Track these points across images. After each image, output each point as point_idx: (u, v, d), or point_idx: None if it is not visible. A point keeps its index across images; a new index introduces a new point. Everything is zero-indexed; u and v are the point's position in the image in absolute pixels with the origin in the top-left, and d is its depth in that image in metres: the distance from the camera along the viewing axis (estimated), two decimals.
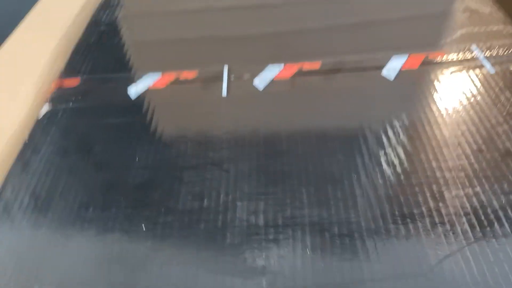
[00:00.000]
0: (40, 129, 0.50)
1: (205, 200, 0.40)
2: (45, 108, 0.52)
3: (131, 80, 0.55)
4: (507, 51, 0.53)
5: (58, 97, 0.54)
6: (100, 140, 0.47)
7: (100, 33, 0.64)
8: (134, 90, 0.53)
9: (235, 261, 0.36)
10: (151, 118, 0.50)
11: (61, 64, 0.60)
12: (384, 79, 0.51)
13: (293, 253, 0.36)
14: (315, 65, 0.54)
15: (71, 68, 0.58)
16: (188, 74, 0.55)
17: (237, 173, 0.43)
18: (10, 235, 0.39)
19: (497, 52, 0.53)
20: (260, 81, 0.52)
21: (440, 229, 0.36)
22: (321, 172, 0.42)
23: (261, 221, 0.38)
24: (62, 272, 0.36)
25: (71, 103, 0.52)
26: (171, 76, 0.55)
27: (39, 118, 0.51)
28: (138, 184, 0.42)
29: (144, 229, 0.38)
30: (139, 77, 0.55)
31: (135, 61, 0.58)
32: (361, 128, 0.45)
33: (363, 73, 0.52)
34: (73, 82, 0.56)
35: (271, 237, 0.37)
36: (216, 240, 0.37)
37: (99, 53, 0.60)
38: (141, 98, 0.52)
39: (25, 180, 0.44)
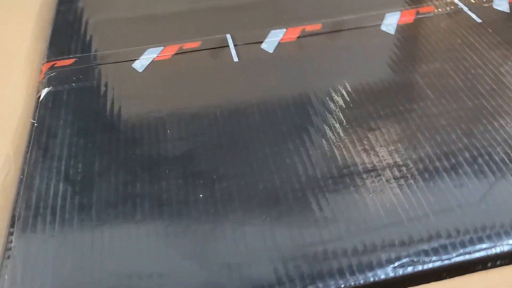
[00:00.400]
0: (48, 112, 0.46)
1: (255, 163, 0.40)
2: (45, 90, 0.48)
3: (130, 55, 0.52)
4: (485, 1, 0.58)
5: (56, 78, 0.50)
6: (121, 116, 0.45)
7: (78, 10, 0.60)
8: (139, 64, 0.51)
9: (306, 213, 0.36)
10: (167, 89, 0.48)
11: (43, 45, 0.55)
12: (385, 33, 0.54)
13: (357, 199, 0.37)
14: (317, 26, 0.55)
15: (57, 48, 0.54)
16: (192, 44, 0.53)
17: (276, 133, 0.43)
18: (58, 225, 0.37)
19: (476, 2, 0.58)
20: (268, 45, 0.53)
21: (480, 160, 0.40)
22: (355, 122, 0.43)
23: (318, 174, 0.39)
24: (129, 252, 0.35)
25: (73, 84, 0.49)
26: (174, 47, 0.53)
27: (41, 100, 0.47)
28: (180, 155, 0.41)
29: (201, 197, 0.38)
30: (140, 51, 0.53)
31: (129, 36, 0.55)
32: (375, 78, 0.48)
33: (364, 29, 0.54)
34: (66, 62, 0.52)
35: (332, 187, 0.38)
36: (279, 197, 0.38)
37: (85, 30, 0.56)
38: (148, 70, 0.50)
39: (51, 166, 0.41)
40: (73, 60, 0.52)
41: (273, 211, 0.37)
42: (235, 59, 0.51)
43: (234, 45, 0.53)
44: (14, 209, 0.38)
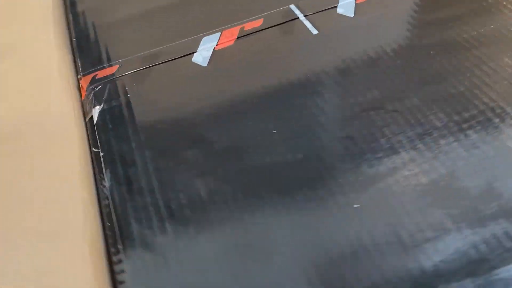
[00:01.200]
0: (111, 134, 0.36)
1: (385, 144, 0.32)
2: (97, 109, 0.39)
3: (186, 49, 0.43)
4: None
5: (103, 92, 0.40)
6: (202, 122, 0.36)
7: (97, 8, 0.50)
8: (200, 57, 0.42)
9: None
10: (242, 79, 0.39)
11: (68, 56, 0.45)
12: None
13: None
14: None
15: (91, 57, 0.44)
16: (253, 24, 0.44)
17: (403, 110, 0.35)
18: (159, 250, 0.28)
19: None
20: (345, 8, 0.44)
21: None
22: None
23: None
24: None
25: (128, 94, 0.39)
26: (233, 31, 0.44)
27: (96, 123, 0.38)
28: (299, 159, 0.32)
29: (356, 206, 0.29)
30: (195, 42, 0.43)
31: (175, 27, 0.46)
32: None
33: None
34: (108, 71, 0.42)
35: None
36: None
37: (118, 30, 0.47)
38: (213, 62, 0.41)
39: (145, 201, 0.32)
40: (117, 66, 0.42)
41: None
42: (313, 31, 0.42)
43: (305, 16, 0.44)
44: (114, 245, 0.29)
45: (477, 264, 0.26)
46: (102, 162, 0.35)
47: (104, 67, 0.43)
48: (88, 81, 0.42)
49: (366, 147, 0.32)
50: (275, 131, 0.35)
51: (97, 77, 0.42)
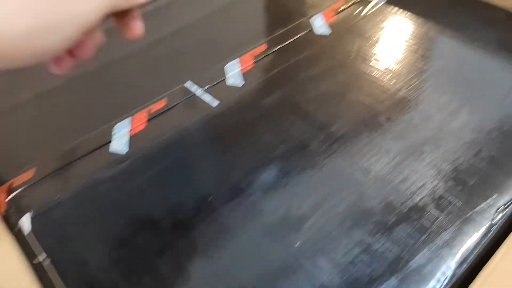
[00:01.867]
0: (51, 240, 0.37)
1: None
2: (26, 217, 0.38)
3: (100, 140, 0.45)
4: None
5: (28, 198, 0.40)
6: (143, 203, 0.39)
7: None
8: (119, 146, 0.44)
9: None
10: (166, 160, 0.43)
11: None
12: None
13: None
14: (262, 48, 0.55)
15: (2, 165, 0.43)
16: (157, 105, 0.48)
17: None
18: None
19: None
20: (235, 78, 0.51)
21: None
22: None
23: None
24: None
25: (57, 195, 0.40)
26: (141, 115, 0.47)
27: (32, 231, 0.37)
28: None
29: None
30: (108, 130, 0.45)
31: (81, 119, 0.47)
32: None
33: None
34: (26, 176, 0.42)
35: None
36: None
37: (23, 130, 0.46)
38: (135, 147, 0.44)
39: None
40: (33, 170, 0.42)
41: None
42: (214, 104, 0.48)
43: (204, 90, 0.49)
44: None
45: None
46: (54, 268, 0.35)
47: (19, 173, 0.42)
48: (5, 191, 0.41)
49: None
50: (211, 197, 0.39)
51: (14, 185, 0.41)
